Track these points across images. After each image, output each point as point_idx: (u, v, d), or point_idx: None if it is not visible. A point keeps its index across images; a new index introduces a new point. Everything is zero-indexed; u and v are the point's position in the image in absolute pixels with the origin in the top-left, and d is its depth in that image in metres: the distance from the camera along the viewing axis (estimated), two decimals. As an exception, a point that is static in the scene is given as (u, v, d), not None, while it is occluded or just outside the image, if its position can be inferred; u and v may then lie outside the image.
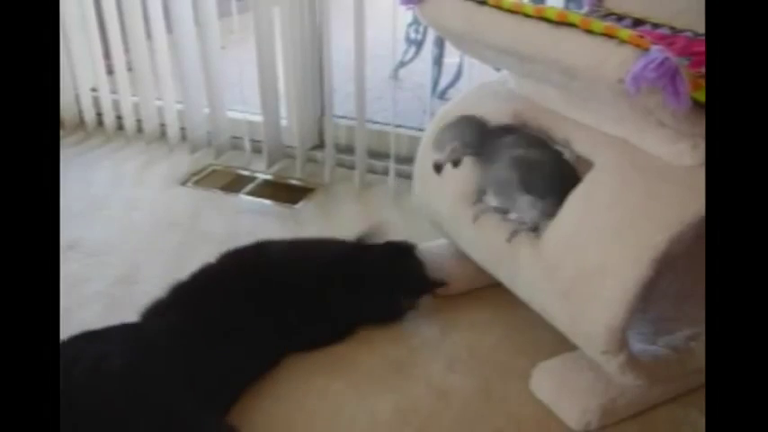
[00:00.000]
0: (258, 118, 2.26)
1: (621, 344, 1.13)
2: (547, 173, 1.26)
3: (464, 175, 1.39)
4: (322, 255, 1.52)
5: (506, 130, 1.33)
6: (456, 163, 1.32)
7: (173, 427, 1.13)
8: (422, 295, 1.55)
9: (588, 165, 1.24)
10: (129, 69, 2.40)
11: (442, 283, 1.54)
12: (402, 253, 1.55)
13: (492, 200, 1.38)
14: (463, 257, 1.54)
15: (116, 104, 2.48)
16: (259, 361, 1.35)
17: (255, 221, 1.94)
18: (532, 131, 1.35)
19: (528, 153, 1.26)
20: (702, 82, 1.00)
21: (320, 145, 2.32)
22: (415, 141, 1.98)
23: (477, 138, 1.30)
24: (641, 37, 1.00)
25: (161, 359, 1.21)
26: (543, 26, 1.09)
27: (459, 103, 1.56)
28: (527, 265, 1.27)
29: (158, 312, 1.35)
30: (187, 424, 1.15)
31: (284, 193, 2.13)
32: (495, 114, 1.42)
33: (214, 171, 2.26)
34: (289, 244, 1.57)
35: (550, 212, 1.24)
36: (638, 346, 1.24)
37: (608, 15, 1.46)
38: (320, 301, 1.43)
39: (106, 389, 1.13)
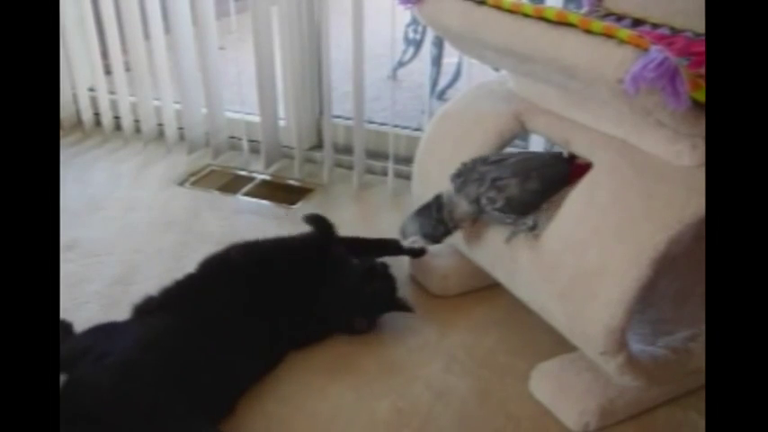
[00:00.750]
0: (256, 118, 2.26)
1: (620, 344, 1.13)
2: (537, 191, 1.27)
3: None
4: (307, 253, 1.51)
5: (471, 179, 1.30)
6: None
7: (159, 428, 1.14)
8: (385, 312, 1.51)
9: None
10: (127, 69, 2.40)
11: (408, 309, 1.50)
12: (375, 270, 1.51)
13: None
14: (462, 258, 1.55)
15: (114, 104, 2.48)
16: (256, 365, 1.34)
17: (253, 222, 1.94)
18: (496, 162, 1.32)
19: (505, 196, 1.26)
20: (701, 82, 1.00)
21: (318, 145, 2.31)
22: (413, 141, 1.97)
23: (436, 228, 1.33)
24: (641, 37, 1.00)
25: (156, 359, 1.21)
26: (542, 26, 1.09)
27: (458, 103, 1.56)
28: (526, 266, 1.27)
29: (150, 311, 1.35)
30: (173, 426, 1.16)
31: (282, 193, 2.13)
32: (494, 115, 1.42)
33: (212, 171, 2.26)
34: (273, 243, 1.55)
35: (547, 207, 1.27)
36: (636, 346, 1.24)
37: (607, 15, 1.46)
38: (309, 299, 1.44)
39: (99, 383, 1.14)
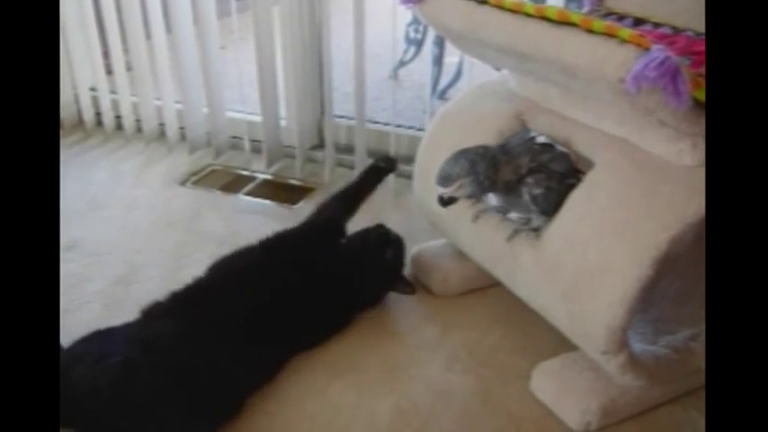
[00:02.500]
0: (257, 118, 2.26)
1: (622, 344, 1.13)
2: (563, 194, 1.24)
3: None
4: (312, 251, 1.52)
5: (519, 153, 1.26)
6: (451, 201, 1.25)
7: (157, 428, 1.15)
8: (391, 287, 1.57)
9: (589, 164, 1.24)
10: (129, 69, 2.40)
11: (410, 286, 1.56)
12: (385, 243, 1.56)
13: (511, 215, 1.36)
14: (463, 257, 1.55)
15: (115, 104, 2.48)
16: (259, 373, 1.34)
17: (255, 221, 1.94)
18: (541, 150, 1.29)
19: (547, 185, 1.24)
20: (703, 81, 1.00)
21: (320, 145, 2.31)
22: (415, 141, 1.97)
23: (492, 173, 1.22)
24: (642, 36, 1.00)
25: (156, 360, 1.21)
26: (544, 25, 1.09)
27: (459, 102, 1.56)
28: (527, 265, 1.27)
29: (155, 316, 1.34)
30: (172, 427, 1.17)
31: (284, 192, 2.13)
32: (495, 115, 1.42)
33: (213, 171, 2.26)
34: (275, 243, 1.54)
35: None
36: (638, 346, 1.24)
37: (609, 15, 1.46)
38: (318, 299, 1.44)
39: (98, 382, 1.14)
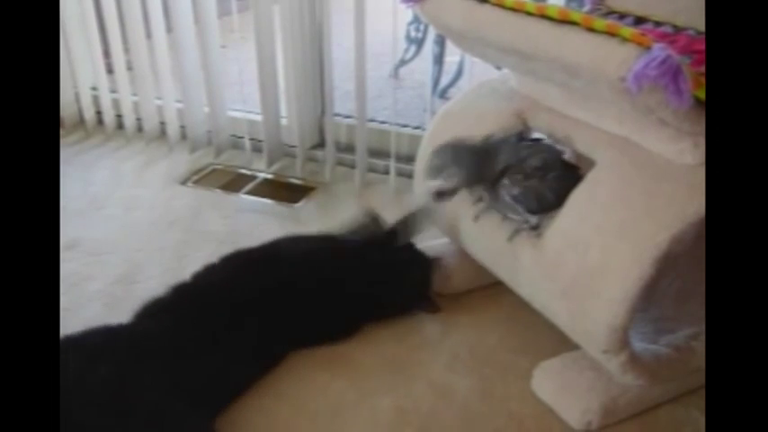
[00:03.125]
0: (258, 117, 2.26)
1: (623, 343, 1.13)
2: (549, 194, 1.24)
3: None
4: (329, 253, 1.52)
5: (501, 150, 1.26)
6: (443, 195, 1.26)
7: (157, 428, 1.14)
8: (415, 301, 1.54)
9: (590, 163, 1.24)
10: (129, 68, 2.40)
11: (434, 306, 1.54)
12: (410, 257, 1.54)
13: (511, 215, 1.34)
14: (464, 256, 1.54)
15: (116, 103, 2.48)
16: (254, 364, 1.34)
17: (255, 221, 1.94)
18: (525, 150, 1.28)
19: (525, 184, 1.24)
20: (704, 80, 1.00)
21: (320, 144, 2.31)
22: (415, 140, 1.98)
23: (475, 164, 1.24)
24: (643, 35, 0.99)
25: (149, 363, 1.20)
26: (545, 24, 1.09)
27: (460, 101, 1.56)
28: (528, 264, 1.27)
29: (152, 313, 1.34)
30: (174, 428, 1.16)
31: (284, 192, 2.13)
32: (496, 113, 1.42)
33: (214, 170, 2.26)
34: (293, 242, 1.56)
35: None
36: (639, 345, 1.24)
37: (610, 13, 1.46)
38: (325, 301, 1.44)
39: (92, 397, 1.12)
